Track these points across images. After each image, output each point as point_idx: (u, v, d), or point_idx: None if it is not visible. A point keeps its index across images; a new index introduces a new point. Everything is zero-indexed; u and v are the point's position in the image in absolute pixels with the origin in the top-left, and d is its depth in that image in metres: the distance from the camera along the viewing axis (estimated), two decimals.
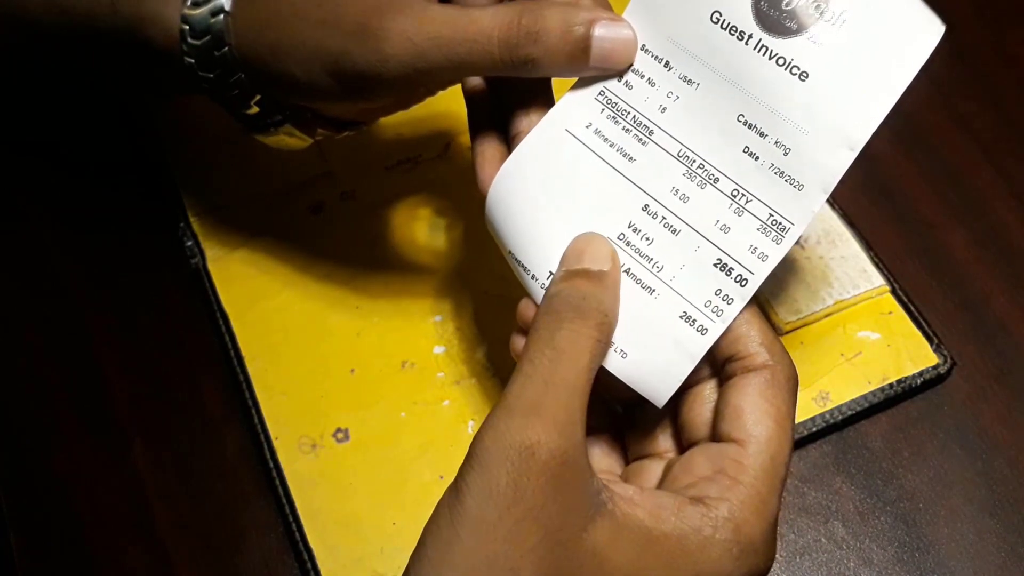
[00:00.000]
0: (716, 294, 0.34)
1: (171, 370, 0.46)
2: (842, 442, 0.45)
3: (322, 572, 0.41)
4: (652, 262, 0.35)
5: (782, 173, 0.34)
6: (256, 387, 0.45)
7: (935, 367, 0.46)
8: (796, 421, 0.44)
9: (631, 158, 0.36)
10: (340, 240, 0.49)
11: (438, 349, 0.46)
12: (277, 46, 0.37)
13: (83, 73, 0.51)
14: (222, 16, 0.38)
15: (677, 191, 0.35)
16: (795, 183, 0.34)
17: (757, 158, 0.34)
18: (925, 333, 0.46)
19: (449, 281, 0.48)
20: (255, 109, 0.41)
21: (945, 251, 0.50)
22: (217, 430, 0.45)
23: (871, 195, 0.52)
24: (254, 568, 0.42)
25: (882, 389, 0.45)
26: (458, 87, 0.40)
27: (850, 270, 0.47)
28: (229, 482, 0.44)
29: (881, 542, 0.43)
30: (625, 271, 0.35)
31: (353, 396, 0.45)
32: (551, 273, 0.35)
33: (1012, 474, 0.44)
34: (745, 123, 0.34)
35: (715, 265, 0.34)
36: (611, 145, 0.36)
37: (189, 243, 0.48)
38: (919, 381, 0.45)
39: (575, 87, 0.37)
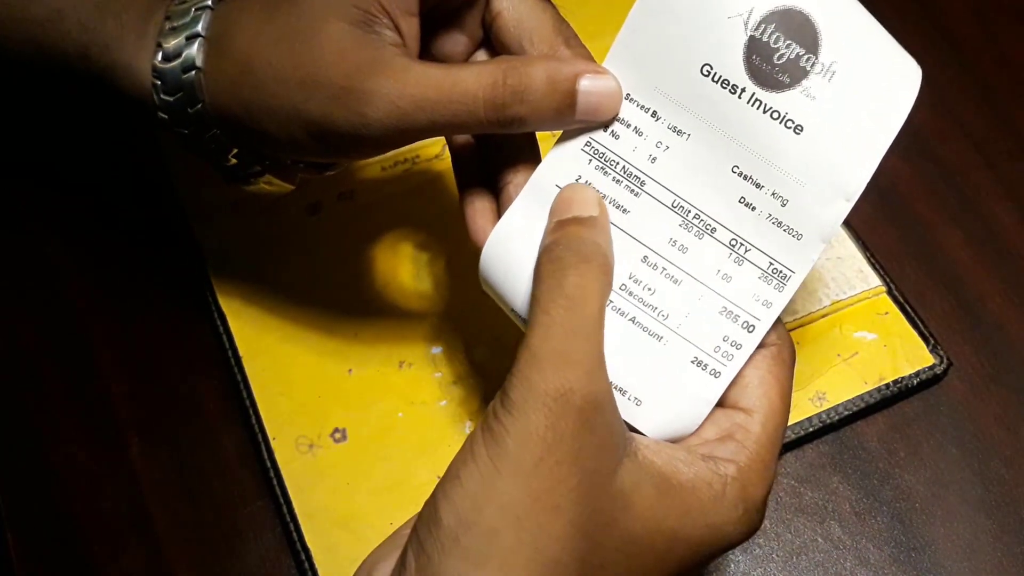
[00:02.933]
0: (724, 340, 0.34)
1: (169, 370, 0.46)
2: (839, 442, 0.45)
3: (319, 572, 0.41)
4: (657, 311, 0.35)
5: (780, 223, 0.34)
6: (254, 387, 0.45)
7: (931, 367, 0.46)
8: (793, 421, 0.44)
9: (625, 210, 0.35)
10: (337, 240, 0.49)
11: (435, 349, 0.46)
12: (253, 105, 0.36)
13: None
14: (194, 72, 0.37)
15: (675, 242, 0.35)
16: (794, 233, 0.34)
17: (754, 208, 0.34)
18: (921, 334, 0.47)
19: (446, 281, 0.48)
20: (233, 161, 0.40)
21: (941, 252, 0.50)
22: (215, 430, 0.45)
23: (867, 196, 0.51)
24: (252, 568, 0.42)
25: (878, 389, 0.45)
26: None
27: (847, 271, 0.48)
28: (227, 482, 0.44)
29: (877, 542, 0.43)
30: (631, 320, 0.35)
31: (351, 396, 0.45)
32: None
33: (1008, 474, 0.44)
34: (740, 174, 0.34)
35: (720, 313, 0.35)
36: (603, 197, 0.35)
37: (187, 244, 0.48)
38: (915, 381, 0.45)
39: (560, 140, 0.36)
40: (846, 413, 0.45)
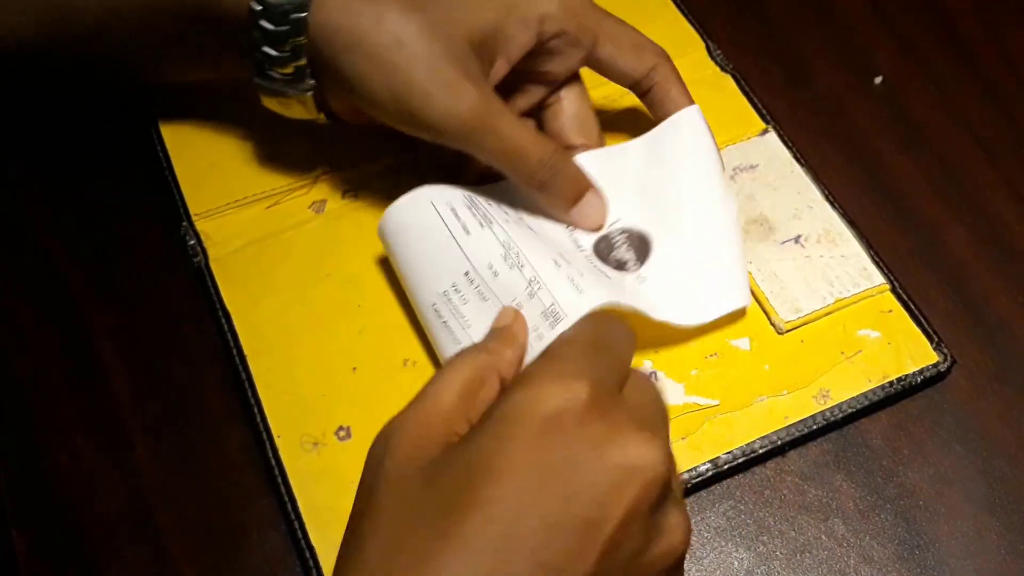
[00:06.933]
0: None
1: (173, 369, 0.46)
2: (842, 440, 0.45)
3: (324, 570, 0.41)
4: (464, 319, 0.42)
5: (572, 280, 0.42)
6: (258, 385, 0.45)
7: (935, 365, 0.46)
8: (796, 419, 0.44)
9: (468, 232, 0.43)
10: (341, 238, 0.49)
11: None
12: (358, 46, 0.41)
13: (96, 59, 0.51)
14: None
15: (492, 267, 0.42)
16: (578, 287, 0.42)
17: (559, 266, 0.43)
18: (925, 331, 0.47)
19: None
20: (291, 69, 0.43)
21: (945, 250, 0.50)
22: (219, 428, 0.45)
23: (871, 194, 0.52)
24: (256, 566, 0.42)
25: (882, 387, 0.45)
26: None
27: (850, 269, 0.48)
28: (231, 480, 0.44)
29: (881, 540, 0.43)
30: (443, 323, 0.42)
31: (355, 394, 0.45)
32: (436, 293, 0.43)
33: (1012, 472, 0.44)
34: (560, 255, 0.44)
35: None
36: (458, 219, 0.43)
37: (191, 242, 0.49)
38: (919, 379, 0.45)
39: (452, 181, 0.45)
40: (850, 411, 0.45)
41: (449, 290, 0.42)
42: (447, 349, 0.42)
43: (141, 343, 0.47)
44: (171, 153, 0.51)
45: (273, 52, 0.42)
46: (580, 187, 0.45)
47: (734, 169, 0.51)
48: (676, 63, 0.52)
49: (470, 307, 0.42)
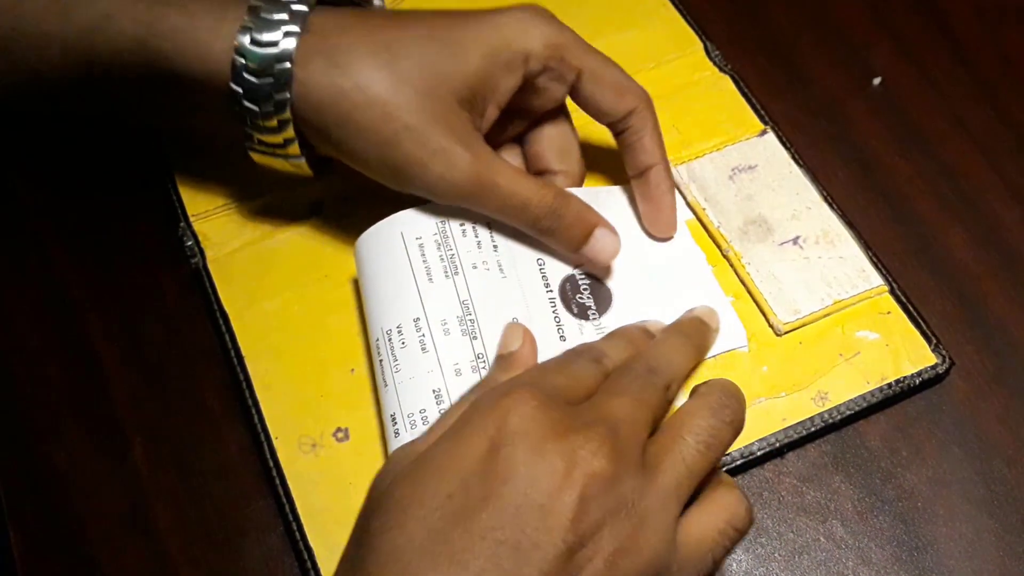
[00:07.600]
0: (420, 412, 0.40)
1: (171, 370, 0.46)
2: (841, 442, 0.45)
3: (322, 571, 0.41)
4: (396, 363, 0.41)
5: None
6: (256, 387, 0.45)
7: (933, 367, 0.46)
8: (795, 421, 0.44)
9: (431, 279, 0.42)
10: (339, 239, 0.49)
11: None
12: (347, 121, 0.41)
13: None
14: (288, 64, 0.40)
15: (444, 324, 0.41)
16: None
17: None
18: (924, 333, 0.47)
19: None
20: (279, 139, 0.42)
21: (943, 251, 0.50)
22: (217, 429, 0.45)
23: (869, 195, 0.52)
24: (254, 567, 0.42)
25: (881, 389, 0.45)
26: None
27: (848, 270, 0.48)
28: (229, 481, 0.44)
29: (880, 541, 0.43)
30: (380, 361, 0.42)
31: (353, 395, 0.45)
32: (381, 329, 0.42)
33: (1010, 473, 0.44)
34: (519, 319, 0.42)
35: (432, 391, 0.40)
36: (424, 262, 0.43)
37: (189, 243, 0.48)
38: (918, 381, 0.45)
39: (429, 206, 0.44)
40: (848, 413, 0.45)
41: (393, 330, 0.42)
42: (379, 388, 0.42)
43: (139, 344, 0.47)
44: (169, 154, 0.51)
45: (261, 123, 0.42)
46: (588, 226, 0.44)
47: (732, 170, 0.51)
48: (674, 64, 0.52)
49: (406, 352, 0.41)
